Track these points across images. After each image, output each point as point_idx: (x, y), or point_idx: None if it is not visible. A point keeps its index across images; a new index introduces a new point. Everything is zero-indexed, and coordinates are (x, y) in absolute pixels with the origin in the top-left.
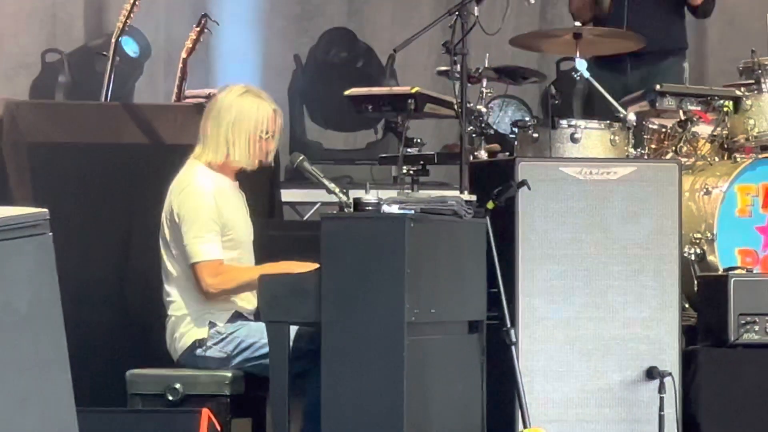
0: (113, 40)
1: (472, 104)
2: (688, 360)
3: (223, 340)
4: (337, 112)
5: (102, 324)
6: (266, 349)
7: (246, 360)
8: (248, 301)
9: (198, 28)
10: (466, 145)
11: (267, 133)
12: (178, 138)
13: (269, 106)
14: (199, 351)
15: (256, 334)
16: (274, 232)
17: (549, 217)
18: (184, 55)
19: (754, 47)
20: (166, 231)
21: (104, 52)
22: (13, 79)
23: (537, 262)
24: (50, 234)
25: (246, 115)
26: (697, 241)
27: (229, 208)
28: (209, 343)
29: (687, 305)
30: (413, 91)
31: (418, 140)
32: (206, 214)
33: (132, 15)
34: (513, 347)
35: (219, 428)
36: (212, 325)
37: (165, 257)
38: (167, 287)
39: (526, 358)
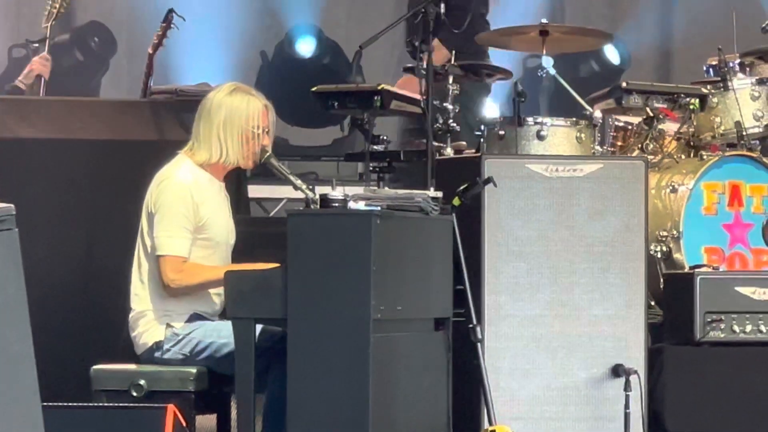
0: (47, 27)
1: (438, 101)
2: (653, 358)
3: (179, 342)
4: (304, 108)
5: (66, 319)
6: (225, 349)
7: (205, 359)
8: (209, 304)
9: (164, 24)
10: (432, 142)
11: (259, 128)
12: (145, 134)
13: (259, 102)
14: (157, 354)
15: (212, 333)
16: (240, 228)
17: (515, 214)
18: (150, 50)
19: (718, 45)
20: (144, 222)
21: (35, 43)
22: None
23: (503, 260)
24: (16, 229)
25: (236, 112)
26: (663, 239)
27: (208, 206)
28: (167, 346)
29: (653, 303)
30: (379, 88)
31: (385, 137)
32: (180, 209)
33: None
34: (478, 344)
35: (184, 424)
36: (169, 327)
37: (140, 248)
38: (134, 280)
39: (492, 355)
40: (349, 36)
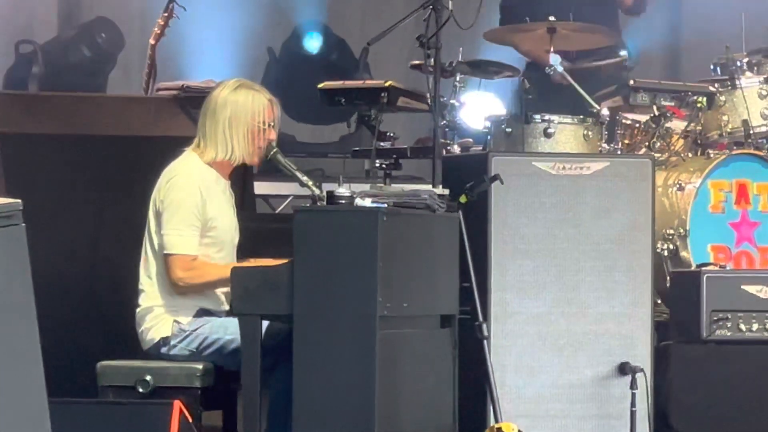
0: None
1: (444, 98)
2: (660, 356)
3: (186, 337)
4: (311, 105)
5: (73, 315)
6: (232, 345)
7: (212, 355)
8: (215, 301)
9: (165, 14)
10: (439, 139)
11: (265, 123)
12: (152, 130)
13: (264, 97)
14: (164, 350)
15: (219, 329)
16: (247, 224)
17: (521, 211)
18: (152, 41)
19: (726, 44)
20: (151, 218)
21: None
22: None
23: (509, 257)
24: (23, 225)
25: (242, 109)
26: (670, 237)
27: (215, 205)
28: (173, 342)
29: (659, 301)
30: (386, 84)
31: (391, 134)
32: (189, 207)
33: None
34: (485, 342)
35: (190, 420)
36: (176, 322)
37: (147, 244)
38: (141, 276)
39: (498, 352)
40: (358, 33)
